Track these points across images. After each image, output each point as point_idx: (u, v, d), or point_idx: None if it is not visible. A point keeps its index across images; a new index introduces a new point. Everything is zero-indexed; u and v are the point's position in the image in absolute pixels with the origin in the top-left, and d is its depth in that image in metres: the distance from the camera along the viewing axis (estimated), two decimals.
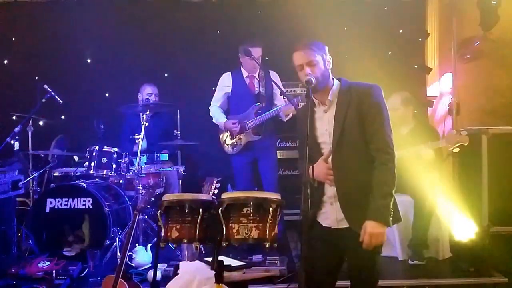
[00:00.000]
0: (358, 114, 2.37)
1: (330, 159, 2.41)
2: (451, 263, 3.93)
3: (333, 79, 2.48)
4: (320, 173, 2.41)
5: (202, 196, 2.42)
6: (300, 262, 2.10)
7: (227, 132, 4.45)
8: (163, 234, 2.34)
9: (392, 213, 2.33)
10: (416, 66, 5.54)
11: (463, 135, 3.68)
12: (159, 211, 2.35)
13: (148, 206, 3.35)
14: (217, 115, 4.50)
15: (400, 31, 5.49)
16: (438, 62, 5.64)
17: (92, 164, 4.28)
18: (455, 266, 3.83)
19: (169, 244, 3.63)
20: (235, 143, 4.42)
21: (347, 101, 2.40)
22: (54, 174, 4.61)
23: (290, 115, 4.31)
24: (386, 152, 2.35)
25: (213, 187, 3.15)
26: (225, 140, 4.50)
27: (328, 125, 2.43)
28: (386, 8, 5.44)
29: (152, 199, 3.29)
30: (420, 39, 5.57)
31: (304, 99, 2.65)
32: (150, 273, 3.46)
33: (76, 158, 4.86)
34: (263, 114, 4.30)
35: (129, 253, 3.76)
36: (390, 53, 5.43)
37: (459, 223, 3.89)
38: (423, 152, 3.83)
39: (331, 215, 2.45)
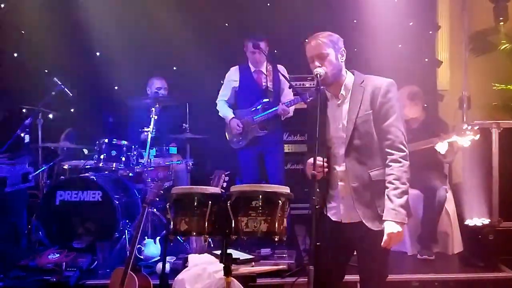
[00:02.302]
0: (371, 109, 2.35)
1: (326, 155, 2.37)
2: (461, 258, 3.91)
3: (346, 72, 2.45)
4: (307, 166, 2.37)
5: (211, 189, 2.41)
6: (309, 255, 2.09)
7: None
8: (172, 227, 2.34)
9: None
10: (426, 59, 5.47)
11: (474, 128, 3.63)
12: (168, 204, 2.36)
13: (157, 199, 3.36)
14: (224, 110, 4.49)
15: (411, 23, 5.41)
16: (449, 55, 5.57)
17: (102, 157, 4.29)
18: (464, 261, 3.81)
19: (178, 237, 3.65)
20: (240, 138, 4.41)
21: (360, 95, 2.38)
22: (64, 167, 4.62)
23: (289, 115, 4.32)
24: (399, 149, 2.32)
25: (222, 181, 3.15)
26: (230, 135, 4.49)
27: (342, 119, 2.41)
28: (396, 0, 5.38)
29: (161, 192, 3.29)
30: (430, 32, 5.50)
31: (313, 93, 2.63)
32: (159, 265, 3.47)
33: (85, 151, 4.87)
34: (270, 110, 4.28)
35: (138, 246, 3.77)
36: (400, 46, 5.36)
37: (468, 217, 3.87)
38: (436, 146, 3.79)
39: (342, 210, 2.44)
